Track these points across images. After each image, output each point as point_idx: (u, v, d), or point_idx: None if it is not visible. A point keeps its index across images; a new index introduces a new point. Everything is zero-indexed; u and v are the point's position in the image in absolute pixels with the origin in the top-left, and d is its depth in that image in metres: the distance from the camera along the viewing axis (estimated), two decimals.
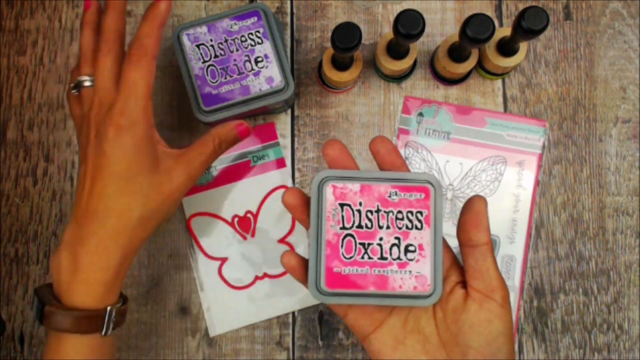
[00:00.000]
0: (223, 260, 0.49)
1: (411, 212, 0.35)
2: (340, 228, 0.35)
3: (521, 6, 0.52)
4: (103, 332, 0.36)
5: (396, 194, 0.35)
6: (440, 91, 0.51)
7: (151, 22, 0.38)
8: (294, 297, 0.48)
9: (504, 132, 0.50)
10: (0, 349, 0.48)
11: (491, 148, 0.49)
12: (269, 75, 0.45)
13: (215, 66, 0.45)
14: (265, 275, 0.49)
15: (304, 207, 0.35)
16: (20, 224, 0.49)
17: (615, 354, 0.48)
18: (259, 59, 0.45)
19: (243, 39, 0.45)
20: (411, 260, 0.34)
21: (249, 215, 0.49)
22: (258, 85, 0.45)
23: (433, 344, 0.35)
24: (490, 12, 0.51)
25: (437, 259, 0.34)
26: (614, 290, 0.49)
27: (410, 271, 0.34)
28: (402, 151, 0.50)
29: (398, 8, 0.52)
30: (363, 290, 0.34)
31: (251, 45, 0.45)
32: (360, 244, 0.35)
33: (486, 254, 0.34)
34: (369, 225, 0.35)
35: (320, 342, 0.48)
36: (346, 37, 0.41)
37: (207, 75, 0.45)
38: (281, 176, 0.50)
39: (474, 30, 0.41)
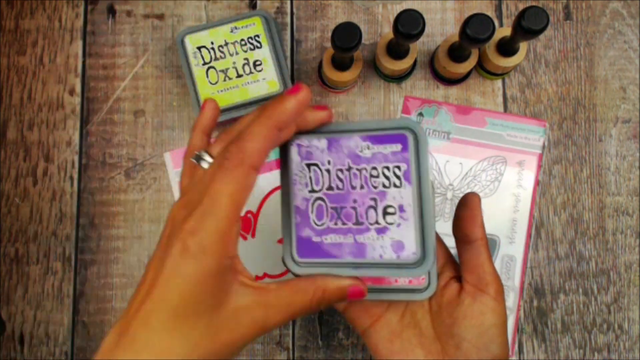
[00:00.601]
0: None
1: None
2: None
3: (521, 6, 0.52)
4: None
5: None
6: (440, 91, 0.51)
7: (266, 120, 0.28)
8: None
9: (504, 132, 0.50)
10: (0, 349, 0.48)
11: (491, 148, 0.49)
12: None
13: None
14: (266, 275, 0.49)
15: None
16: (20, 224, 0.49)
17: (615, 354, 0.48)
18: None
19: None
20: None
21: (249, 215, 0.49)
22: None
23: (428, 337, 0.35)
24: (490, 12, 0.51)
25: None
26: (614, 290, 0.49)
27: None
28: None
29: (398, 8, 0.52)
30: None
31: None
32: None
33: (480, 249, 0.34)
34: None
35: (320, 342, 0.48)
36: (346, 37, 0.41)
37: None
38: None
39: (474, 30, 0.41)
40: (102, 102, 0.50)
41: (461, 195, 0.49)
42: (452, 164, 0.49)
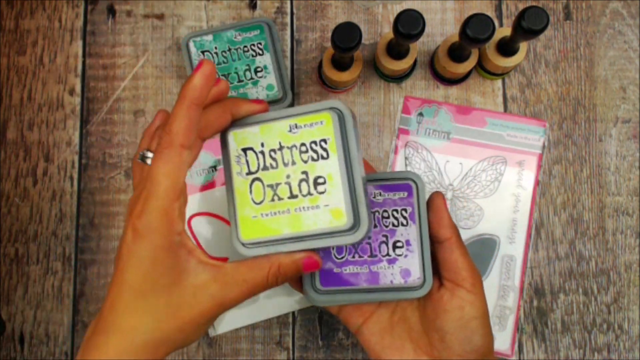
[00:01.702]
0: (223, 260, 0.49)
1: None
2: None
3: (521, 6, 0.52)
4: None
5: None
6: (440, 91, 0.51)
7: (182, 101, 0.30)
8: (294, 297, 0.48)
9: (504, 132, 0.50)
10: (0, 349, 0.48)
11: (491, 148, 0.49)
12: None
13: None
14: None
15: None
16: (20, 224, 0.49)
17: (615, 354, 0.48)
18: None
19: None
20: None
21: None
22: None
23: (417, 331, 0.37)
24: (490, 12, 0.51)
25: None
26: (614, 290, 0.49)
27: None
28: (402, 151, 0.50)
29: (398, 8, 0.52)
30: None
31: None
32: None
33: (452, 247, 0.36)
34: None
35: (320, 342, 0.48)
36: (346, 37, 0.41)
37: None
38: None
39: (474, 30, 0.41)
40: (102, 102, 0.50)
41: (461, 195, 0.49)
42: (452, 164, 0.49)
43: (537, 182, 0.49)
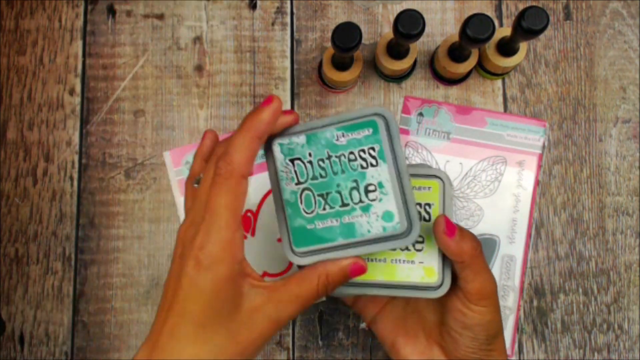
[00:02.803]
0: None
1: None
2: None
3: (521, 6, 0.52)
4: None
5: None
6: (440, 91, 0.51)
7: (246, 132, 0.30)
8: None
9: (504, 132, 0.50)
10: (0, 349, 0.48)
11: (491, 148, 0.49)
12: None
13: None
14: (265, 274, 0.49)
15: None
16: (20, 224, 0.49)
17: (615, 354, 0.48)
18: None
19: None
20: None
21: (248, 214, 0.49)
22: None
23: (430, 322, 0.38)
24: (490, 12, 0.51)
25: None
26: (614, 290, 0.49)
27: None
28: None
29: (398, 8, 0.52)
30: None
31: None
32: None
33: (463, 267, 0.34)
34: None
35: (320, 342, 0.48)
36: (346, 37, 0.41)
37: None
38: None
39: (474, 30, 0.41)
40: (102, 102, 0.50)
41: (461, 195, 0.49)
42: (452, 164, 0.49)
43: (537, 182, 0.49)
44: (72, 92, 0.51)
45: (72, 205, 0.49)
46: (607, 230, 0.49)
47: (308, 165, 0.33)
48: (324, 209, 0.33)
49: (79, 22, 0.51)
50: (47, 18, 0.51)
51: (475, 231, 0.49)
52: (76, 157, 0.50)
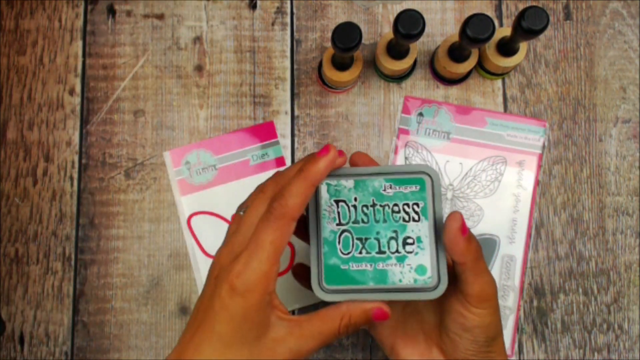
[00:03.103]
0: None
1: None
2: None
3: (521, 6, 0.52)
4: None
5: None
6: (440, 91, 0.51)
7: (303, 180, 0.32)
8: (294, 295, 0.48)
9: (504, 132, 0.50)
10: (0, 349, 0.48)
11: (491, 148, 0.49)
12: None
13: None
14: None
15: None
16: (20, 224, 0.49)
17: (615, 354, 0.48)
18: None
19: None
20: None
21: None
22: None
23: (429, 323, 0.38)
24: (490, 12, 0.51)
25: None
26: (614, 290, 0.49)
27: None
28: (402, 151, 0.49)
29: (398, 8, 0.52)
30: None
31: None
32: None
33: (465, 269, 0.34)
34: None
35: None
36: (346, 37, 0.41)
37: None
38: None
39: (474, 31, 0.41)
40: (102, 102, 0.50)
41: (461, 195, 0.49)
42: (452, 164, 0.49)
43: (537, 182, 0.49)
44: (72, 92, 0.51)
45: (72, 205, 0.49)
46: (607, 230, 0.49)
47: (352, 208, 0.35)
48: (360, 252, 0.34)
49: (79, 22, 0.51)
50: (47, 18, 0.51)
51: (475, 231, 0.49)
52: (76, 157, 0.50)
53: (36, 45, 0.51)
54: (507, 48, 0.47)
